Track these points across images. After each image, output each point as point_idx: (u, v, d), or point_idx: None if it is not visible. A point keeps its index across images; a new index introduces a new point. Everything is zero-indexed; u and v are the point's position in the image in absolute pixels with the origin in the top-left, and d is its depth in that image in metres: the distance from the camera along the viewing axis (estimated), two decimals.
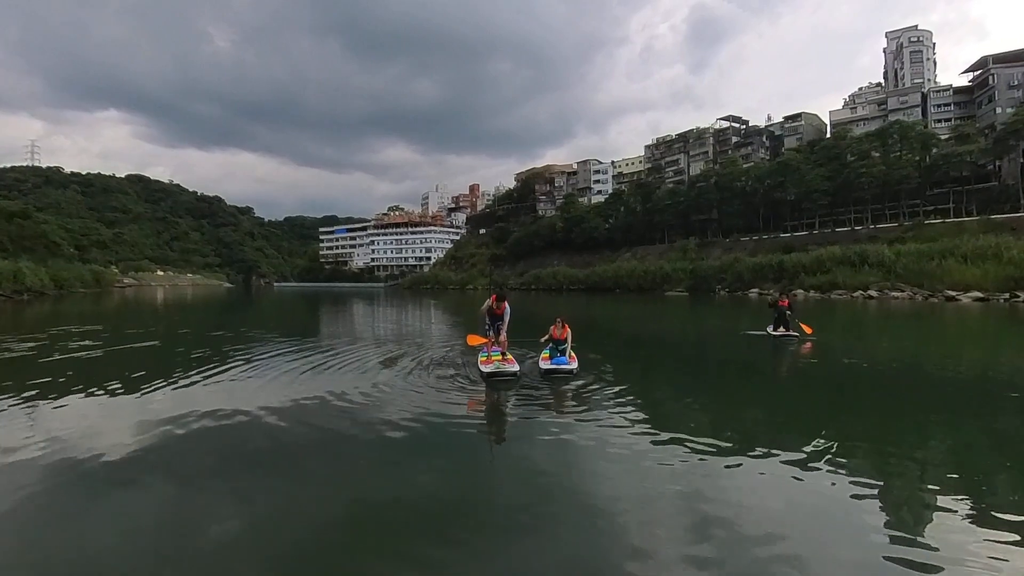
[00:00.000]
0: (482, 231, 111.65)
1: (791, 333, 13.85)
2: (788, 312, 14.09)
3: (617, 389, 7.86)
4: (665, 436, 5.59)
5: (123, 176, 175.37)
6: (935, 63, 72.37)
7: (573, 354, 9.41)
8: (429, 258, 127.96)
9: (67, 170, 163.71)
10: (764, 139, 79.23)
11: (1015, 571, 3.10)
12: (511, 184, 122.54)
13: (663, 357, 13.20)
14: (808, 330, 14.02)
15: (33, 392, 7.62)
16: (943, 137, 57.04)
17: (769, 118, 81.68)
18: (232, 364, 10.06)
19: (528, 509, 3.94)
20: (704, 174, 74.09)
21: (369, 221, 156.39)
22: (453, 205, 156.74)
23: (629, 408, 6.79)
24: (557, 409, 6.89)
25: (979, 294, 33.14)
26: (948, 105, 64.29)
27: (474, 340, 9.33)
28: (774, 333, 14.10)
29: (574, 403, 7.08)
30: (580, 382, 8.28)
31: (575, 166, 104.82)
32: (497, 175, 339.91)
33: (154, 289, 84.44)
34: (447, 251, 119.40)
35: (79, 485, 4.39)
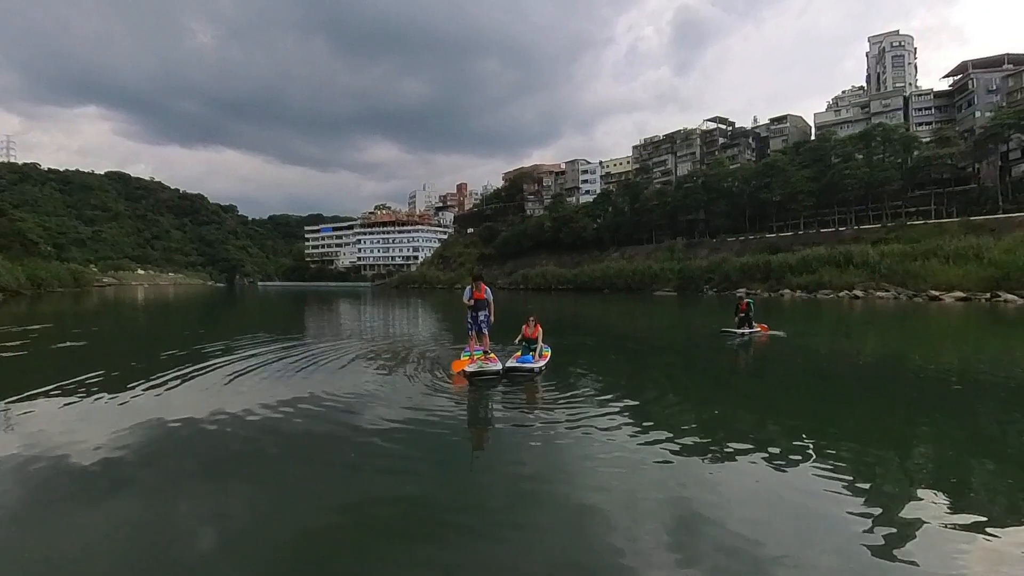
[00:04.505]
0: (470, 230, 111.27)
1: (733, 330, 14.96)
2: (743, 315, 15.10)
3: (604, 389, 7.84)
4: (651, 436, 5.60)
5: (103, 173, 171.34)
6: (916, 68, 73.81)
7: (547, 352, 9.43)
8: (416, 257, 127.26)
9: (44, 167, 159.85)
10: (750, 140, 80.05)
11: (991, 562, 3.21)
12: (499, 183, 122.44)
13: (650, 357, 13.12)
14: (762, 328, 15.08)
15: (7, 394, 7.28)
16: (924, 140, 58.06)
17: (755, 120, 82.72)
18: (214, 365, 9.78)
19: (515, 510, 3.94)
20: (691, 175, 74.61)
21: (356, 220, 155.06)
22: (441, 204, 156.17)
23: (616, 408, 6.74)
24: (543, 409, 6.81)
25: (961, 294, 33.69)
26: (929, 109, 65.51)
27: (459, 365, 8.93)
28: (728, 329, 15.22)
29: (560, 403, 7.01)
30: (566, 382, 8.26)
31: (563, 166, 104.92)
32: (484, 174, 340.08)
33: (135, 289, 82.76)
34: (435, 250, 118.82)
35: (57, 490, 4.22)
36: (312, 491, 4.27)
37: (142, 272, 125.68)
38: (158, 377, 8.55)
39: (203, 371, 9.15)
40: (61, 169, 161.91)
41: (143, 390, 7.68)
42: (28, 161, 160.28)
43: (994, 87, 58.56)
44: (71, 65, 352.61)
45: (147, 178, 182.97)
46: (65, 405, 6.86)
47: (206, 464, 4.87)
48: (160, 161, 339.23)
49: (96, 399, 7.14)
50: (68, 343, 13.42)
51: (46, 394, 7.37)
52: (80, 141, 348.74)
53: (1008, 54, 62.08)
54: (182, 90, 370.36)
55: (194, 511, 3.92)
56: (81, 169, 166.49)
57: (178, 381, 8.33)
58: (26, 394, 7.33)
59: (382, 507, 3.97)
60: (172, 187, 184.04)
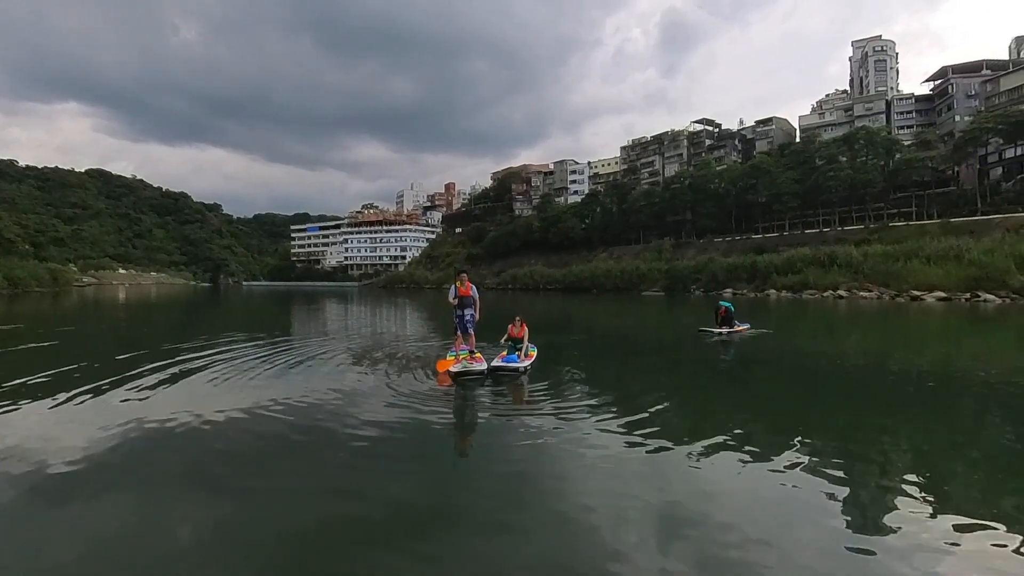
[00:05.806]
0: (458, 230, 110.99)
1: (711, 329, 15.39)
2: (722, 319, 15.72)
3: (590, 388, 7.81)
4: (637, 434, 5.57)
5: (83, 171, 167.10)
6: (898, 72, 75.18)
7: (532, 352, 9.41)
8: (404, 257, 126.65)
9: (22, 163, 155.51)
10: (736, 142, 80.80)
11: (969, 556, 3.27)
12: (487, 183, 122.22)
13: (636, 356, 13.16)
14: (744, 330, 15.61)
15: None
16: (906, 143, 59.10)
17: (741, 122, 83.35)
18: (198, 366, 9.55)
19: (500, 510, 3.90)
20: (679, 176, 75.01)
21: (342, 219, 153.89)
22: (429, 204, 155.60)
23: (601, 407, 6.71)
24: (528, 409, 6.77)
25: (942, 294, 34.28)
26: (910, 112, 66.75)
27: (443, 365, 8.83)
28: (706, 328, 15.76)
29: (545, 402, 6.97)
30: (552, 382, 8.20)
31: (552, 166, 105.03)
32: (473, 174, 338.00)
33: (116, 288, 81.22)
34: (423, 250, 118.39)
35: (38, 495, 4.09)
36: (295, 492, 4.20)
37: (123, 271, 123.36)
38: (138, 378, 8.33)
39: (185, 371, 8.93)
40: (40, 166, 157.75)
41: (123, 391, 7.46)
42: (5, 158, 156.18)
43: (973, 92, 59.84)
44: (51, 60, 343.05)
45: (129, 176, 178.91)
46: (43, 407, 6.63)
47: (189, 466, 4.73)
48: (142, 159, 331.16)
49: (74, 401, 6.91)
50: (47, 343, 13.06)
51: (23, 395, 7.12)
52: (60, 138, 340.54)
53: (986, 60, 63.54)
54: (166, 87, 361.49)
55: (178, 513, 3.83)
56: (61, 166, 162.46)
57: (159, 382, 8.12)
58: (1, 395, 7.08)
59: (365, 507, 3.91)
60: (155, 185, 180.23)
